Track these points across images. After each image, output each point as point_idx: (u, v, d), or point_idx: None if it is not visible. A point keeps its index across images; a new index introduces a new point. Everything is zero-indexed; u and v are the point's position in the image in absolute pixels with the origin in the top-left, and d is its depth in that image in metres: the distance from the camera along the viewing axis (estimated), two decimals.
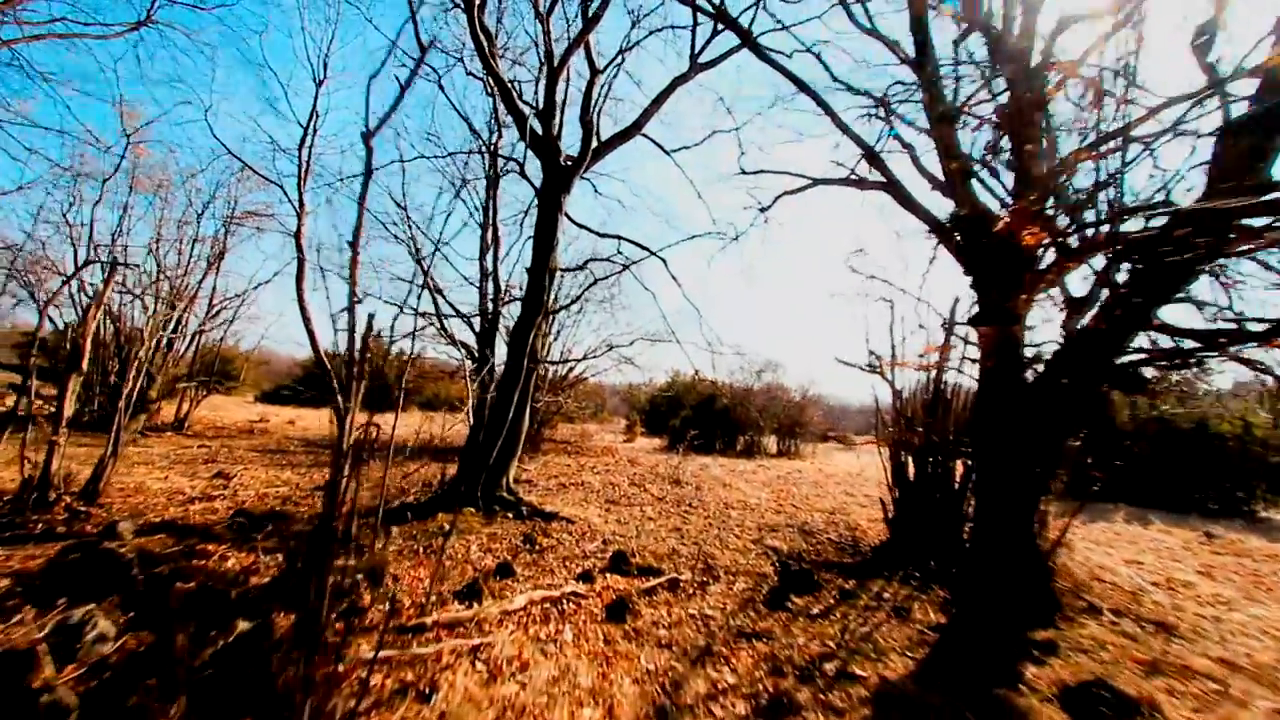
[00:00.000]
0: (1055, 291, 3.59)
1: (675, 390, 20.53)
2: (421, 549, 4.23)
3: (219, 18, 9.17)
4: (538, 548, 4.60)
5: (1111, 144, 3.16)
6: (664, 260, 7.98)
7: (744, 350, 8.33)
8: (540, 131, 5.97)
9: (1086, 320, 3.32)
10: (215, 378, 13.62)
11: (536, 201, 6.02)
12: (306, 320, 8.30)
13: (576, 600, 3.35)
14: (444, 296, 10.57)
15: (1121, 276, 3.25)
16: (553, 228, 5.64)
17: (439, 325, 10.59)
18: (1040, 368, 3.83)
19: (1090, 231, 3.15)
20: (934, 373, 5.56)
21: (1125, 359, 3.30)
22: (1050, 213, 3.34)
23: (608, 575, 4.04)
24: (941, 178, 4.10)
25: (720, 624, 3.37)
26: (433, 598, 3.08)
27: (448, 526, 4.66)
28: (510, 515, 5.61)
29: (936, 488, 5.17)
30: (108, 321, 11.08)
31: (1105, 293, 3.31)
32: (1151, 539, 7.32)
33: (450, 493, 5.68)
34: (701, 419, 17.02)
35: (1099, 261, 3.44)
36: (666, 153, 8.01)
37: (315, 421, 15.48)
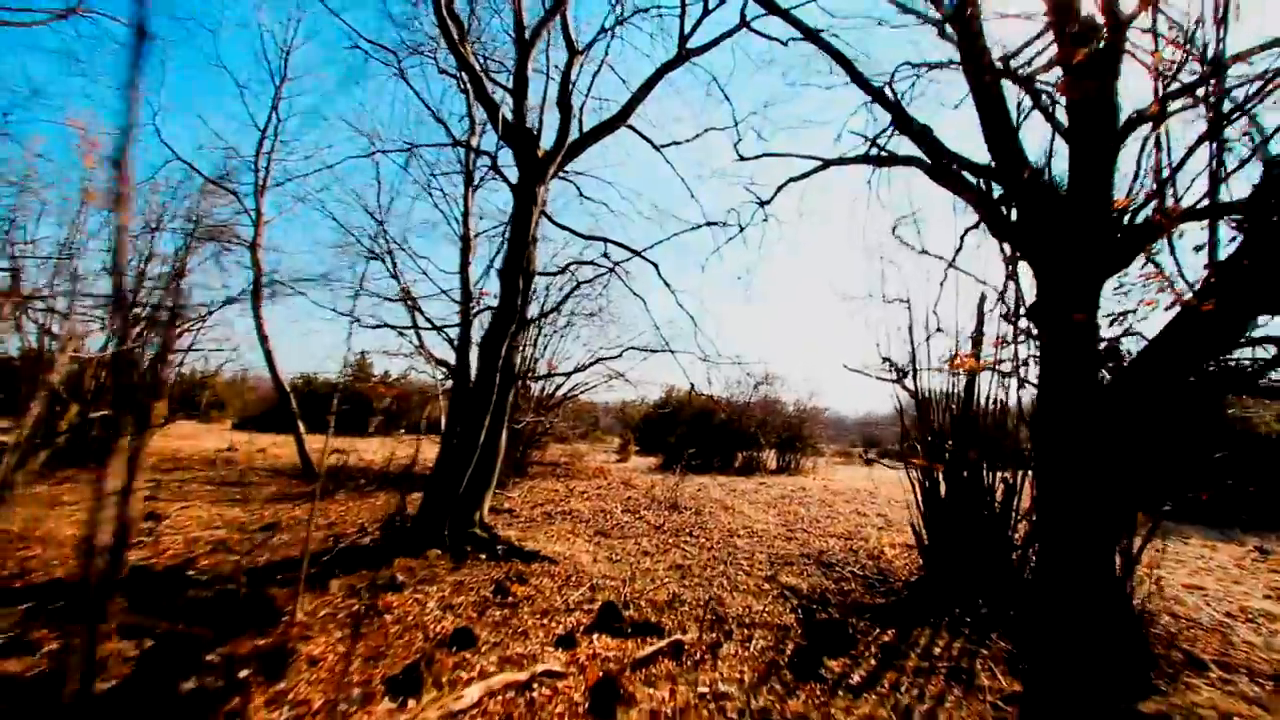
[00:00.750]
0: (1144, 269, 2.91)
1: (670, 406, 19.79)
2: (364, 608, 3.43)
3: (167, 11, 8.51)
4: (511, 600, 3.81)
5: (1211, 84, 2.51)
6: (655, 265, 7.31)
7: (743, 360, 7.62)
8: (512, 118, 5.30)
9: (1187, 303, 2.63)
10: (175, 406, 12.71)
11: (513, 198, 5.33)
12: (263, 339, 7.53)
13: (551, 684, 2.57)
14: (420, 310, 9.82)
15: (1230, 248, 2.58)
16: (527, 224, 4.94)
17: (418, 341, 9.84)
18: (1116, 364, 3.14)
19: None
20: (965, 379, 4.87)
21: (1238, 353, 2.61)
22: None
23: (594, 637, 3.25)
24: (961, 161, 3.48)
25: (739, 705, 2.59)
26: (353, 693, 2.29)
27: (401, 577, 3.85)
28: (483, 556, 4.81)
29: (975, 510, 4.44)
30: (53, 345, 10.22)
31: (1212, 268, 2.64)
32: (1198, 556, 6.62)
33: (413, 531, 4.88)
34: (698, 435, 16.25)
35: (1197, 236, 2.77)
36: (656, 147, 7.37)
37: (291, 449, 14.57)
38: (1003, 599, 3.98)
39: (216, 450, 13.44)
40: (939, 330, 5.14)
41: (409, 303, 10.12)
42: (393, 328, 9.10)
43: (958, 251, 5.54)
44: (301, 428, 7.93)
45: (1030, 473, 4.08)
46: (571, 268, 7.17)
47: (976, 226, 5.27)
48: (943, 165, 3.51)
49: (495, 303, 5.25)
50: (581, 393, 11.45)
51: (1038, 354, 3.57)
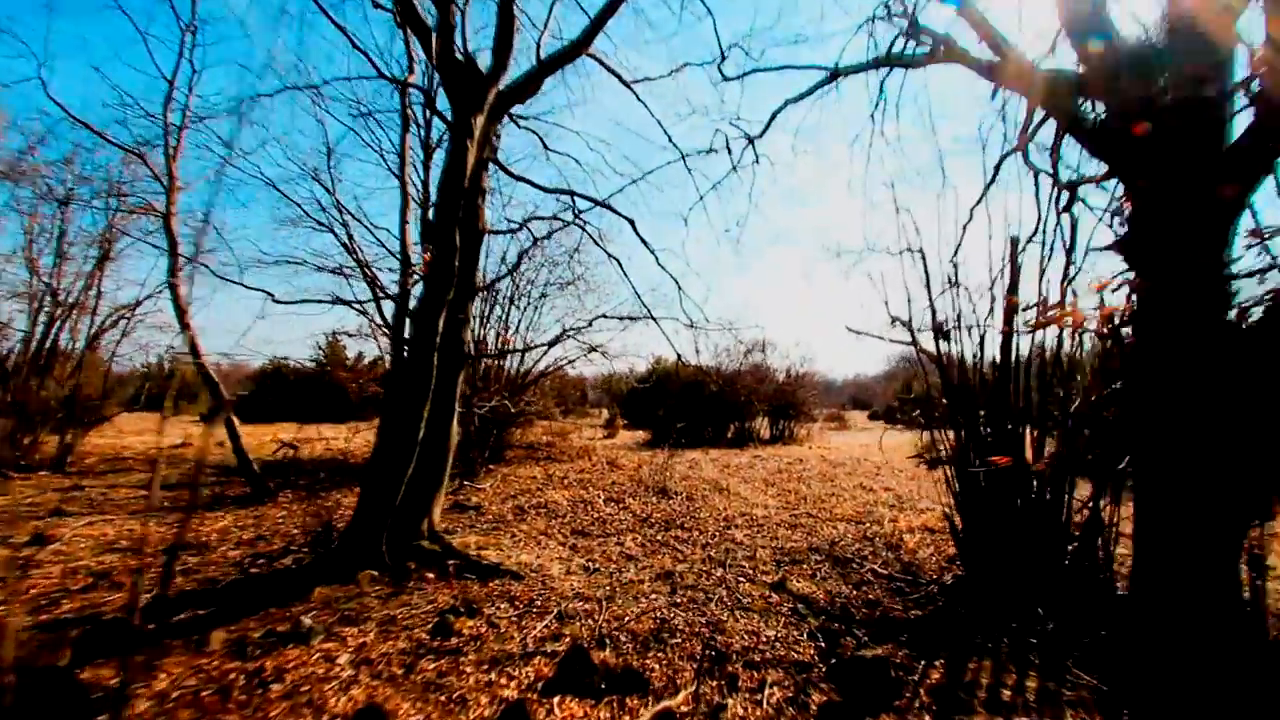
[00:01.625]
0: None
1: (658, 377, 18.98)
2: (249, 672, 2.56)
3: None
4: (454, 642, 2.96)
5: None
6: (630, 221, 6.32)
7: (732, 324, 6.74)
8: (438, 42, 4.23)
9: None
10: (100, 403, 11.62)
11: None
12: (182, 317, 6.46)
13: None
14: (379, 284, 8.78)
15: None
16: (462, 163, 3.93)
17: (380, 319, 8.84)
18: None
19: None
20: (1002, 338, 4.02)
21: None
22: None
23: (556, 703, 2.42)
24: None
25: None
26: None
27: (309, 621, 2.98)
28: (431, 574, 3.96)
29: (1019, 492, 3.65)
30: None
31: None
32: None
33: (343, 548, 4.01)
34: (688, 408, 15.47)
35: None
36: (626, 83, 6.30)
37: (258, 441, 13.53)
38: (1073, 609, 3.21)
39: (171, 446, 12.42)
40: (954, 284, 4.28)
41: (366, 275, 9.07)
42: (347, 303, 8.05)
43: (989, 185, 4.66)
44: (235, 421, 6.96)
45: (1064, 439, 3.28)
46: (531, 224, 6.14)
47: (1017, 151, 4.38)
48: (997, 49, 2.56)
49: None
50: (558, 369, 10.53)
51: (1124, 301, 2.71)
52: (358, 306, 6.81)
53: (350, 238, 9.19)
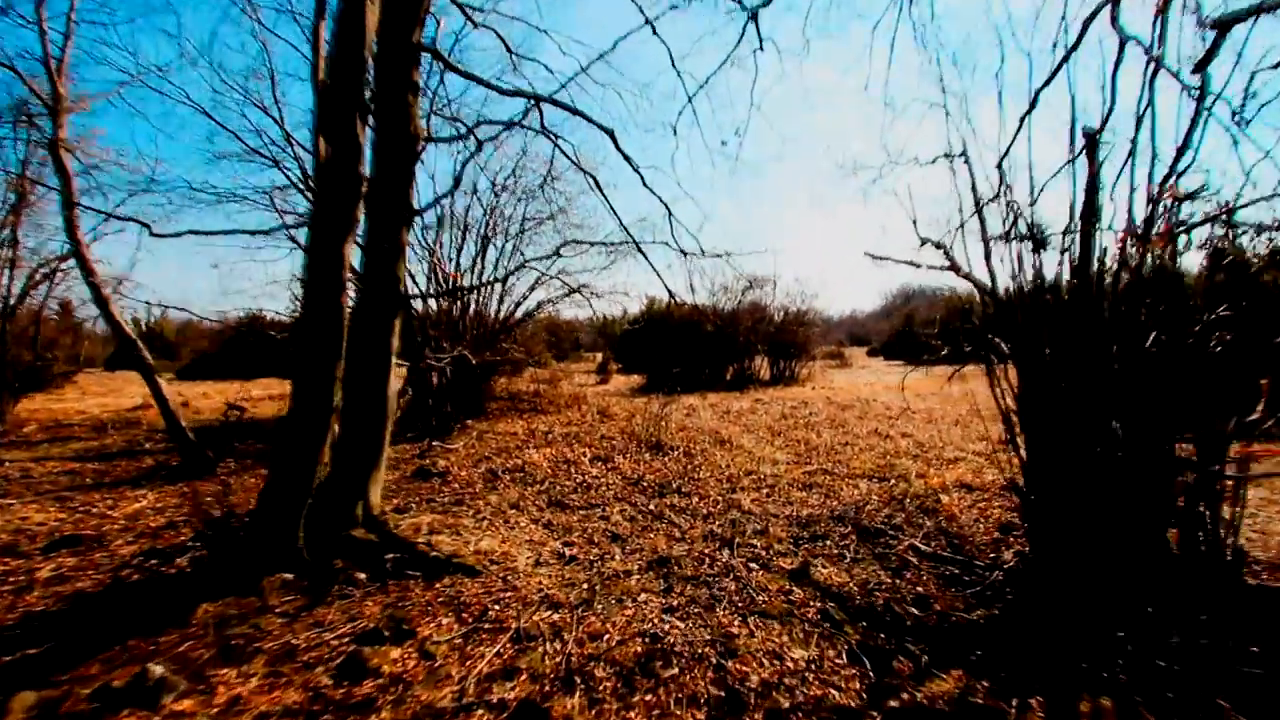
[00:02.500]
0: None
1: (651, 317, 17.97)
2: None
3: None
4: (366, 689, 2.15)
5: None
6: (611, 133, 5.14)
7: (730, 254, 5.72)
8: None
9: None
10: (51, 362, 10.65)
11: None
12: (86, 269, 5.40)
13: None
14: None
15: None
16: (359, 25, 2.79)
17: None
18: None
19: None
20: (1080, 250, 3.03)
21: None
22: None
23: None
24: None
25: None
26: None
27: (159, 671, 2.15)
28: (363, 575, 3.14)
29: (1106, 454, 2.77)
30: None
31: None
32: None
33: (250, 541, 3.16)
34: (684, 349, 14.57)
35: None
36: None
37: (219, 400, 12.63)
38: (1182, 604, 2.41)
39: (124, 409, 11.53)
40: (1007, 193, 3.26)
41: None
42: (252, 234, 6.89)
43: (1072, 50, 3.57)
44: (163, 383, 6.01)
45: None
46: (480, 129, 4.95)
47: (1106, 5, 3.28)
48: None
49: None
50: (543, 314, 9.53)
51: None
52: (286, 235, 5.69)
53: (304, 171, 7.98)
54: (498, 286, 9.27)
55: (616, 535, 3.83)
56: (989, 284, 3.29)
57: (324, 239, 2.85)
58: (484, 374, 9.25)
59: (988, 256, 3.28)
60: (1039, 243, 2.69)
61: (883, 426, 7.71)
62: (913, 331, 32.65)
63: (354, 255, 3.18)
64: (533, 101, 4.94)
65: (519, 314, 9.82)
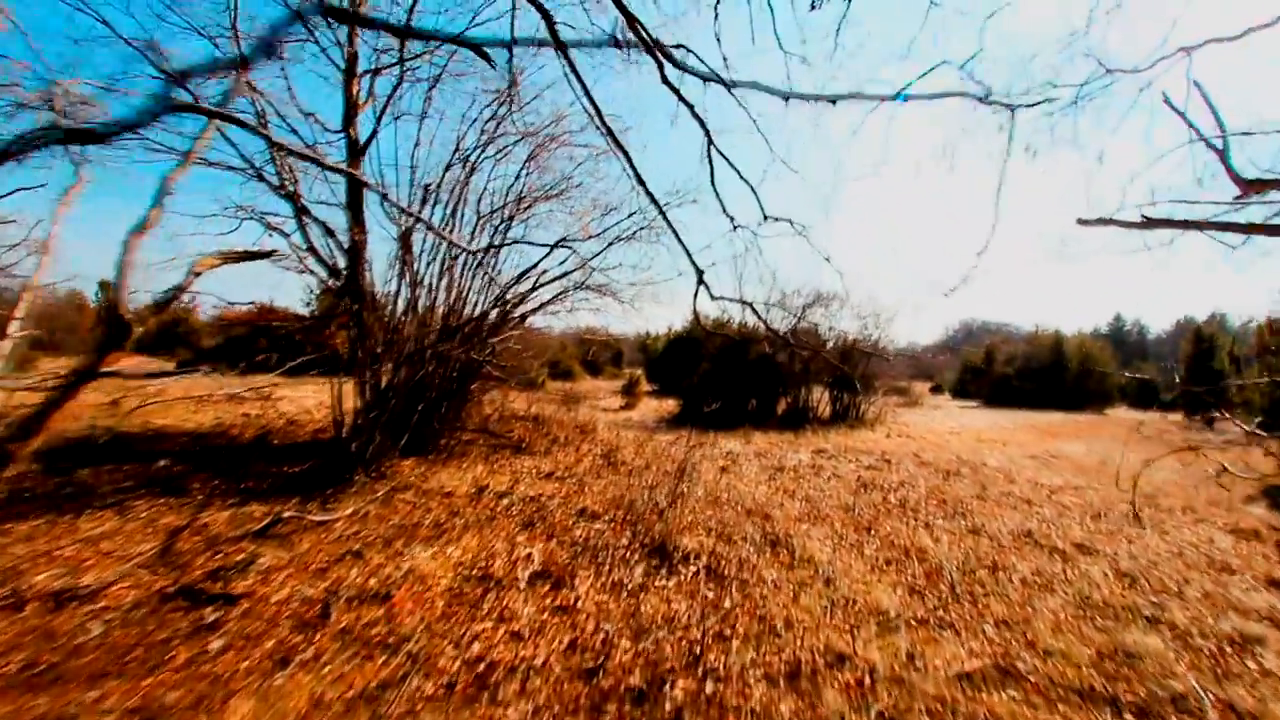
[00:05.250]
0: None
1: (692, 336, 15.40)
2: None
3: None
4: None
5: None
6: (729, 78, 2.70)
7: (805, 227, 3.19)
8: None
9: None
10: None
11: None
12: None
13: None
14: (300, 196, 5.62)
15: None
16: None
17: (304, 241, 5.76)
18: None
19: None
20: None
21: None
22: None
23: None
24: None
25: None
26: None
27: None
28: None
29: None
30: None
31: None
32: None
33: None
34: (727, 374, 11.85)
35: None
36: None
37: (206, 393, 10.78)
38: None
39: (90, 406, 9.83)
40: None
41: (284, 179, 5.91)
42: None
43: None
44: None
45: None
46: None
47: None
48: None
49: None
50: (532, 314, 7.12)
51: None
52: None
53: (263, 118, 6.01)
54: (475, 274, 6.92)
55: None
56: None
57: None
58: (459, 385, 6.92)
59: None
60: None
61: (1034, 524, 4.83)
62: (993, 370, 28.50)
63: None
64: None
65: (500, 316, 7.43)
